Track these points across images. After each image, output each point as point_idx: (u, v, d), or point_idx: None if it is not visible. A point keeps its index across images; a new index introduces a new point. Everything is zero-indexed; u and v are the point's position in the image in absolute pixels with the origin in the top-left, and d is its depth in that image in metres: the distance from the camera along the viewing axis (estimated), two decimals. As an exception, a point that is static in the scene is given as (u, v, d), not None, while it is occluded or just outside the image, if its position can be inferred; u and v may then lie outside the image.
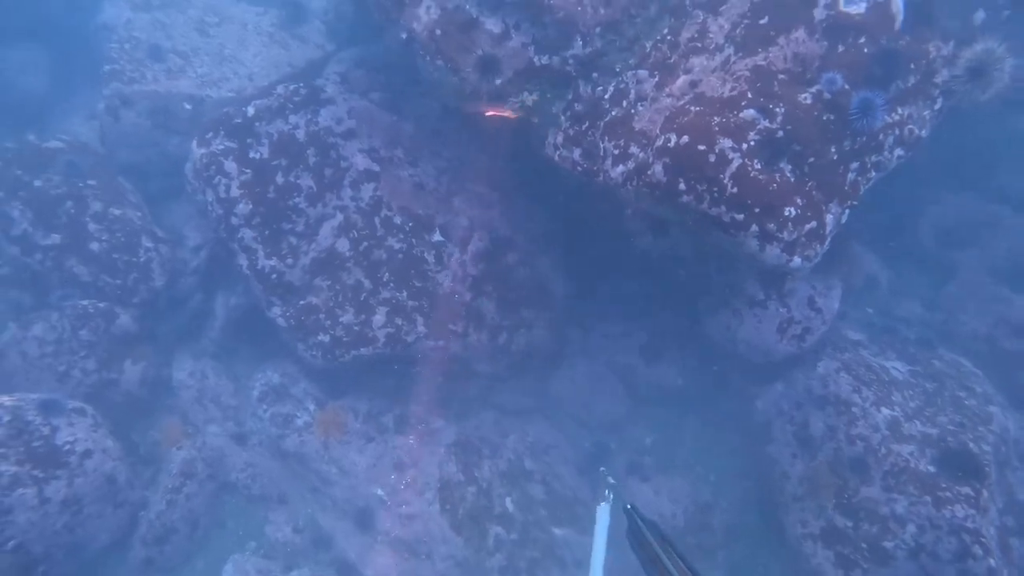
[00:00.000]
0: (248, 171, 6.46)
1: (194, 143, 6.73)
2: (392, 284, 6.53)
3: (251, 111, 6.58)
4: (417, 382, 7.34)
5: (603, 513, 4.58)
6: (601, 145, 5.29)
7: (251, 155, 6.50)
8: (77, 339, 6.85)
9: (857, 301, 7.52)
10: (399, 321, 6.49)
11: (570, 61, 5.41)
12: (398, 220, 6.63)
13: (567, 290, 7.86)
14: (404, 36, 5.80)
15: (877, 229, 7.52)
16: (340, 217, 6.52)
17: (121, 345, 7.14)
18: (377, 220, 6.57)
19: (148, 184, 8.23)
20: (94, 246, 7.21)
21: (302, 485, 7.05)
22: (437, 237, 6.74)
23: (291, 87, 6.74)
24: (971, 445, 5.56)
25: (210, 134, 6.63)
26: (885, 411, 5.86)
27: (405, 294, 6.55)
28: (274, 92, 6.69)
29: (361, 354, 6.45)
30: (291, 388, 7.16)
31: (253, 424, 7.29)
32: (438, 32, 5.60)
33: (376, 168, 6.66)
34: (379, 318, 6.47)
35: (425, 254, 6.65)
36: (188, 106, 8.00)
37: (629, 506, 3.89)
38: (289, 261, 6.43)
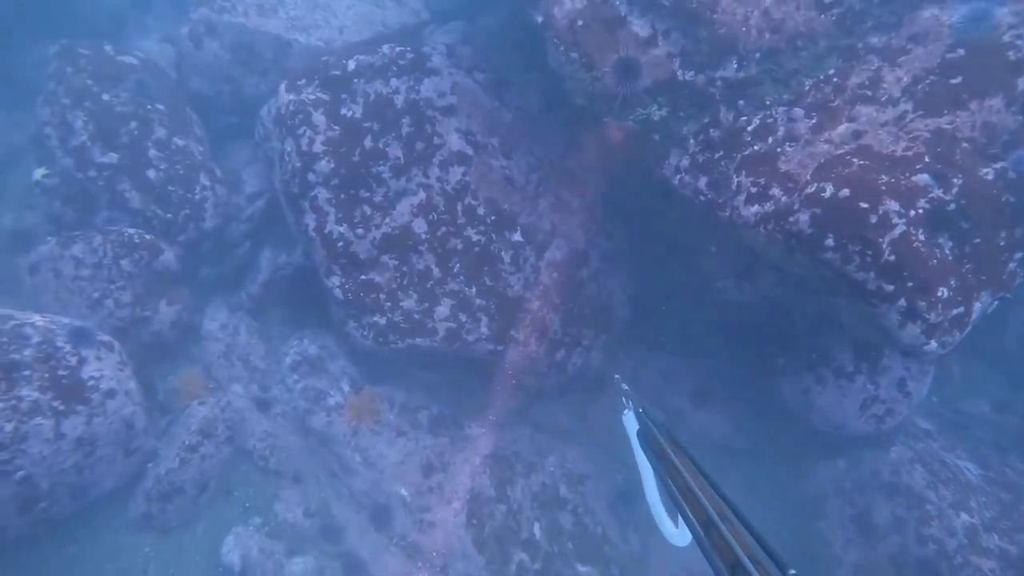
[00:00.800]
0: (336, 128, 6.02)
1: (282, 87, 6.29)
2: (462, 277, 6.11)
3: (352, 65, 6.15)
4: (460, 383, 6.94)
5: (630, 421, 4.39)
6: (735, 179, 4.89)
7: (343, 111, 6.07)
8: (117, 267, 6.40)
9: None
10: (463, 317, 6.06)
11: (717, 82, 5.00)
12: (481, 211, 6.21)
13: (628, 317, 7.47)
14: (540, 20, 5.38)
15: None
16: (422, 196, 6.09)
17: (160, 282, 6.69)
18: (460, 207, 6.15)
19: (215, 120, 7.80)
20: (151, 173, 6.77)
21: (320, 467, 6.61)
22: (517, 237, 6.33)
23: (397, 49, 6.31)
24: (1055, 572, 5.20)
25: (302, 81, 6.19)
26: (964, 516, 5.48)
27: (474, 290, 6.13)
28: (379, 51, 6.26)
29: (416, 344, 6.02)
30: (328, 364, 6.72)
31: (279, 392, 6.85)
32: (579, 23, 5.19)
33: (469, 152, 6.23)
34: (443, 310, 6.04)
35: (502, 252, 6.23)
36: (272, 47, 7.56)
37: (640, 410, 4.00)
38: (359, 231, 6.00)
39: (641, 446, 3.78)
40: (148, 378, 6.48)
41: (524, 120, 6.75)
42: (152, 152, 6.83)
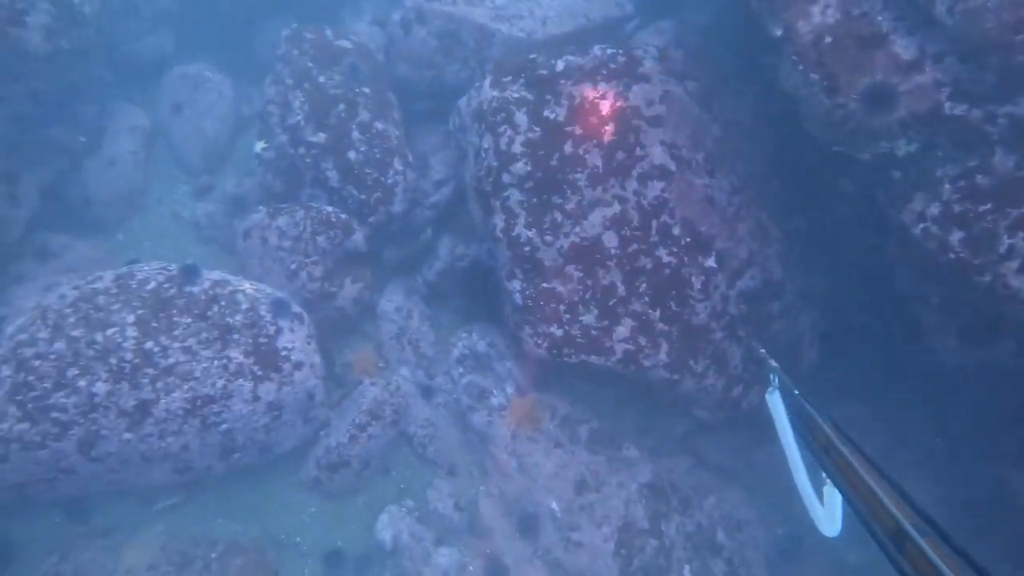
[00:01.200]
0: (537, 130, 5.87)
1: (487, 82, 6.23)
2: (647, 299, 5.78)
3: (560, 66, 5.95)
4: (624, 399, 6.68)
5: (776, 402, 4.08)
6: (1005, 240, 4.12)
7: (545, 113, 5.90)
8: (314, 243, 6.77)
9: None
10: (643, 341, 5.76)
11: (999, 120, 4.21)
12: (676, 231, 5.81)
13: (816, 358, 6.78)
14: (779, 33, 4.83)
15: None
16: (616, 208, 5.81)
17: (348, 261, 7.01)
18: (655, 224, 5.80)
19: (411, 104, 7.97)
20: (351, 155, 7.05)
21: (474, 464, 6.66)
22: (710, 263, 5.87)
23: (609, 51, 6.01)
24: None
25: (508, 78, 6.09)
26: None
27: (658, 314, 5.79)
28: (590, 52, 6.00)
29: (590, 362, 5.82)
30: (495, 363, 6.71)
31: (444, 382, 6.97)
32: (827, 40, 4.59)
33: (672, 167, 5.83)
34: (622, 330, 5.77)
35: (693, 277, 5.82)
36: (475, 36, 7.54)
37: (796, 391, 3.69)
38: (548, 238, 5.85)
39: (796, 434, 3.46)
40: (327, 350, 6.84)
41: (732, 136, 6.22)
42: (355, 134, 7.11)
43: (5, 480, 5.32)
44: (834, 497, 3.38)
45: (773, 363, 4.58)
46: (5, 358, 5.30)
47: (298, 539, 6.18)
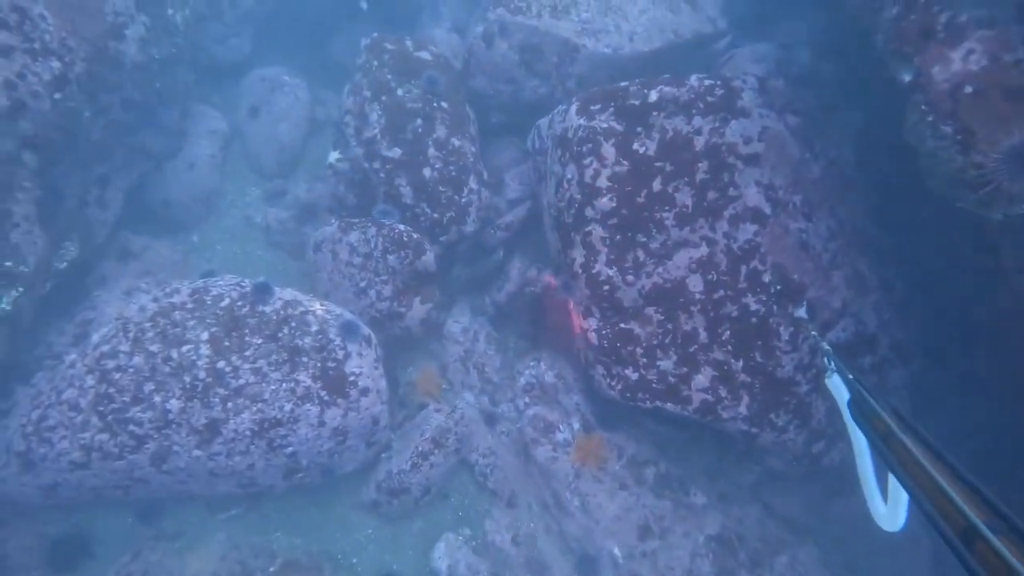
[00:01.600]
0: (625, 164, 5.58)
1: (573, 108, 5.96)
2: (730, 347, 5.46)
3: (653, 97, 5.62)
4: (693, 441, 6.39)
5: (838, 385, 3.83)
6: None
7: (635, 146, 5.59)
8: (384, 262, 6.66)
9: None
10: (722, 392, 5.45)
11: None
12: (767, 278, 5.45)
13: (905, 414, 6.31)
14: (907, 79, 4.39)
15: None
16: (703, 250, 5.48)
17: (418, 281, 6.87)
18: (744, 270, 5.45)
19: (486, 117, 7.77)
20: (426, 172, 6.89)
21: (534, 497, 6.50)
22: (801, 313, 5.50)
23: (707, 82, 5.63)
24: None
25: (597, 106, 5.79)
26: None
27: (740, 364, 5.46)
28: (686, 83, 5.64)
29: (666, 409, 5.56)
30: (562, 396, 6.51)
31: (507, 410, 6.81)
32: (967, 90, 4.14)
33: (767, 210, 5.46)
34: (701, 379, 5.48)
35: (781, 328, 5.46)
36: (558, 51, 7.25)
37: (851, 376, 3.57)
38: (629, 278, 5.57)
39: (855, 420, 3.28)
40: (391, 370, 6.76)
41: (833, 176, 5.79)
42: (431, 151, 6.94)
43: (85, 484, 5.46)
44: (899, 488, 3.14)
45: (826, 346, 4.33)
46: (90, 368, 5.40)
47: (354, 560, 6.15)
